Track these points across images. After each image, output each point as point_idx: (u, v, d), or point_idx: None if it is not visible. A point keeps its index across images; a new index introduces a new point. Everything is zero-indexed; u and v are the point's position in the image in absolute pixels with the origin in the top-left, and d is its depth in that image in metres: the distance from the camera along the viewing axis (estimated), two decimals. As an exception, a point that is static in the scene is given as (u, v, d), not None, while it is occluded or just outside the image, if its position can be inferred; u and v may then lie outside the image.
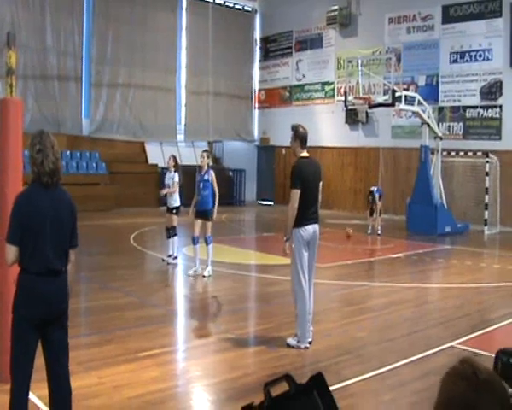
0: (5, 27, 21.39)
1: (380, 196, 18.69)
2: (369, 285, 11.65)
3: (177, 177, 12.83)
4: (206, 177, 11.66)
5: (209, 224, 11.66)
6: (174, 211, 12.89)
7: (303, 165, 7.52)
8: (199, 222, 11.71)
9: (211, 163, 12.32)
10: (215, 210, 11.66)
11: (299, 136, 7.56)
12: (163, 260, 13.13)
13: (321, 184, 7.68)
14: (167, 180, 13.12)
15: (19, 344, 4.33)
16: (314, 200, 7.52)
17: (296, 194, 7.33)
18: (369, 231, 18.74)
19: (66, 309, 4.47)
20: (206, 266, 11.71)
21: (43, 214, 4.29)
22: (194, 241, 11.85)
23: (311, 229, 7.44)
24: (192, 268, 11.90)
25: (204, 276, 11.56)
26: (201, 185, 11.63)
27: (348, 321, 8.79)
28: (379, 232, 18.50)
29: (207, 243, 11.69)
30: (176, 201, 12.89)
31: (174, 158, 13.22)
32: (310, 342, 7.52)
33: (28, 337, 4.31)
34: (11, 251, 4.28)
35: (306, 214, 7.39)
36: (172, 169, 12.99)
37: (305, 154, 7.59)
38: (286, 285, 11.26)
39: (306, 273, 7.45)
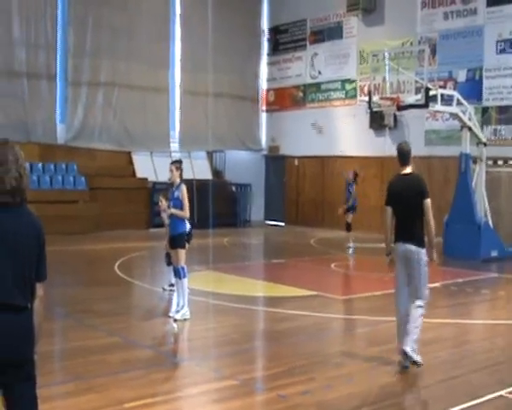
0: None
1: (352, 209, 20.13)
2: (400, 321, 11.59)
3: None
4: (176, 193, 11.34)
5: (181, 252, 11.31)
6: None
7: (392, 181, 8.86)
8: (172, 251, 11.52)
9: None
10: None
11: (397, 152, 8.79)
12: (163, 289, 13.28)
13: (426, 202, 8.45)
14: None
15: None
16: (405, 218, 8.53)
17: (385, 210, 8.71)
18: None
19: (31, 356, 4.33)
20: (182, 306, 11.17)
21: (1, 240, 4.21)
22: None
23: (401, 247, 8.50)
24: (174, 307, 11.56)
25: (176, 320, 11.00)
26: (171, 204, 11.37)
27: (374, 364, 8.76)
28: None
29: (180, 277, 11.26)
30: None
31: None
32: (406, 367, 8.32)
33: None
34: None
35: (397, 232, 8.62)
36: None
37: (405, 170, 8.71)
38: (299, 321, 11.27)
39: (402, 289, 8.56)
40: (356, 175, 20.46)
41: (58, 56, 25.75)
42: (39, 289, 4.42)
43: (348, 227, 19.98)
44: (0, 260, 4.22)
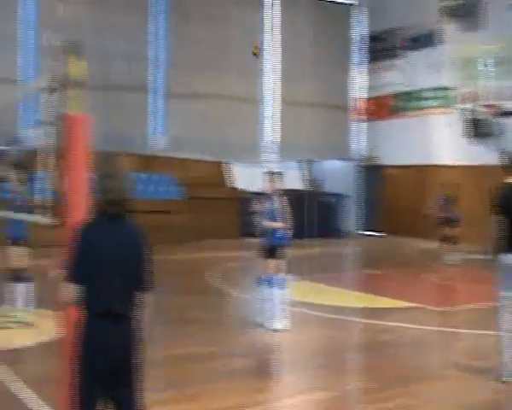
0: (62, 29, 21.56)
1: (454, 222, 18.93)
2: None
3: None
4: (270, 204, 11.43)
5: (274, 262, 11.43)
6: None
7: (501, 190, 8.57)
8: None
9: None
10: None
11: (510, 160, 8.63)
12: (258, 299, 13.33)
13: None
14: None
15: (78, 402, 4.36)
16: None
17: (492, 219, 8.49)
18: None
19: (133, 362, 4.46)
20: (277, 317, 11.25)
21: (106, 250, 4.35)
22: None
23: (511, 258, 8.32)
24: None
25: (273, 330, 11.10)
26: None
27: (475, 378, 8.54)
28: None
29: (274, 287, 11.38)
30: None
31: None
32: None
33: (88, 393, 4.35)
34: (69, 290, 4.36)
35: (507, 242, 8.35)
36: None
37: (509, 179, 8.53)
38: (398, 333, 11.13)
39: (508, 303, 8.31)
40: (447, 199, 19.51)
41: (155, 69, 26.25)
42: (145, 298, 4.52)
43: (444, 240, 19.31)
44: (103, 269, 4.36)
